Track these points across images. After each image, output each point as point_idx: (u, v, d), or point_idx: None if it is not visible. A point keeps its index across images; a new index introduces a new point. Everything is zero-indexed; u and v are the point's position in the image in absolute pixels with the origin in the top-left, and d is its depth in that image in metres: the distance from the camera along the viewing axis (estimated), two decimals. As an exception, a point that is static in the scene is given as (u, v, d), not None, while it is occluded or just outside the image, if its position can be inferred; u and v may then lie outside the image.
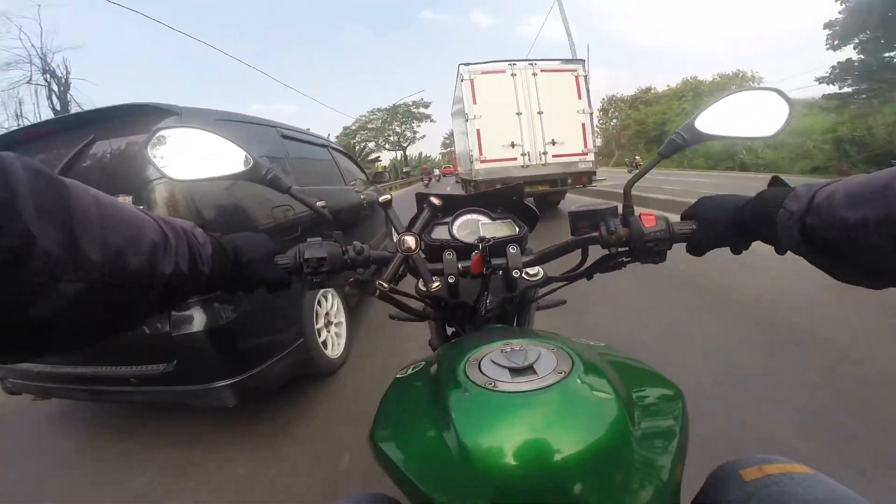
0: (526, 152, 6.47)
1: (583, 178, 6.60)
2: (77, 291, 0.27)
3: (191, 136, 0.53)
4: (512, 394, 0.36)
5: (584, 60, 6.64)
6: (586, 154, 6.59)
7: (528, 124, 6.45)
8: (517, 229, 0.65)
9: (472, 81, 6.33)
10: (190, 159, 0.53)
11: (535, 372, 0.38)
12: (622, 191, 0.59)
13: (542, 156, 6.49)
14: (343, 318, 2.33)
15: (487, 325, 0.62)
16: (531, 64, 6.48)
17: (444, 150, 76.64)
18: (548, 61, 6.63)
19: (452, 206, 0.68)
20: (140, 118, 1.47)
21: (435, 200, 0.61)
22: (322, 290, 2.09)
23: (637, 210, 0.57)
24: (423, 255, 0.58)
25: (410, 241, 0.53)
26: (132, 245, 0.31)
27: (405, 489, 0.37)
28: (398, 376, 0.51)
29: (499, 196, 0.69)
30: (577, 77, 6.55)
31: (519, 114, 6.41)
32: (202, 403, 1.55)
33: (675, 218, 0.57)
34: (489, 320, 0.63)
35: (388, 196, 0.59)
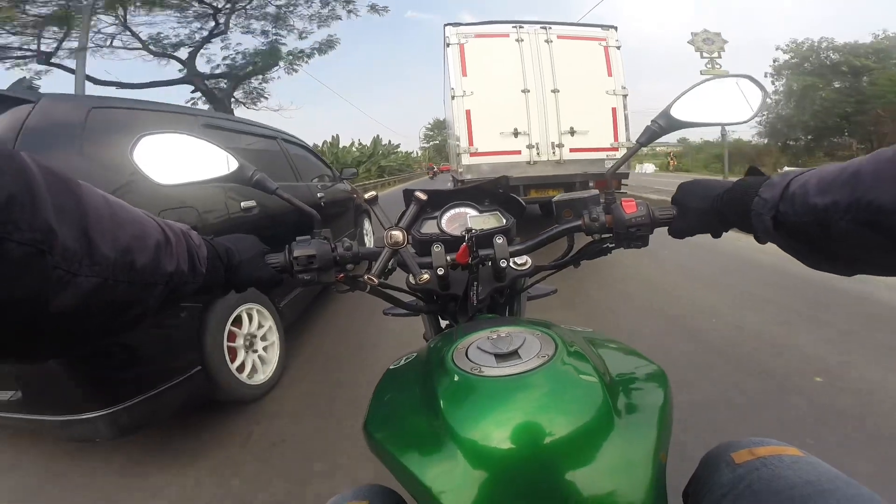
0: (534, 144, 4.68)
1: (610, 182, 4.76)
2: (93, 286, 0.27)
3: (175, 141, 0.54)
4: (496, 378, 0.37)
5: (615, 27, 4.93)
6: (617, 149, 4.77)
7: (539, 106, 4.69)
8: (504, 220, 0.66)
9: (461, 47, 4.64)
10: (175, 164, 0.53)
11: (519, 356, 0.39)
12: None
13: (557, 149, 4.70)
14: (275, 339, 2.02)
15: (478, 316, 0.62)
16: (544, 28, 4.78)
17: (426, 145, 66.07)
18: (567, 26, 4.93)
19: (440, 201, 0.68)
20: None
21: (421, 195, 0.58)
22: (245, 308, 1.84)
23: (618, 197, 0.57)
24: (411, 249, 0.59)
25: (398, 235, 0.54)
26: (139, 243, 0.32)
27: (399, 475, 0.37)
28: (391, 368, 0.51)
29: (485, 189, 0.69)
30: (606, 48, 4.82)
31: (525, 91, 4.66)
32: (70, 436, 1.35)
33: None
34: (481, 311, 0.64)
35: (373, 193, 0.59)
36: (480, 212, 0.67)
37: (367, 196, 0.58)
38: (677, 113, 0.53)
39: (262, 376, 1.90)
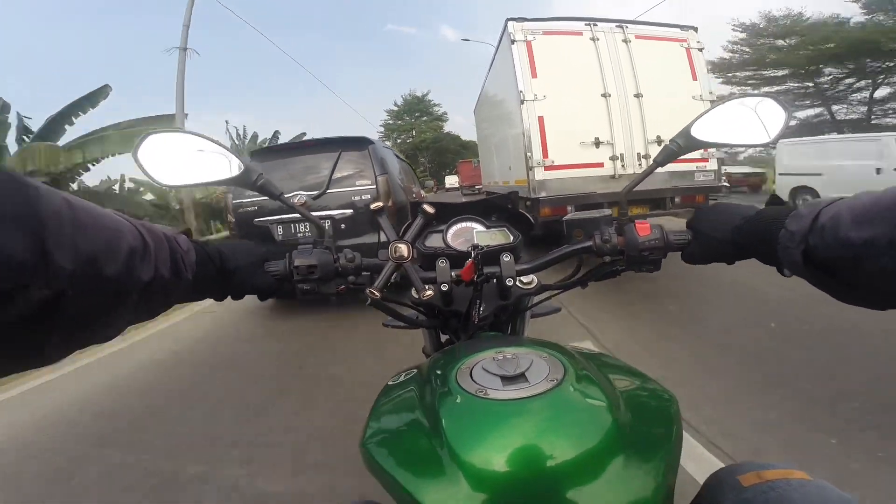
0: (618, 155, 4.03)
1: (698, 197, 4.14)
2: (47, 298, 0.26)
3: (182, 141, 0.51)
4: (502, 402, 0.36)
5: (695, 28, 4.41)
6: (707, 160, 4.17)
7: (621, 113, 4.07)
8: (511, 237, 0.65)
9: (528, 44, 4.03)
10: (181, 165, 0.51)
11: (526, 380, 0.38)
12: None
13: (644, 161, 4.05)
14: None
15: (481, 333, 0.61)
16: (620, 27, 4.22)
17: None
18: (644, 25, 4.39)
19: (447, 215, 0.68)
20: (359, 142, 3.43)
21: (428, 208, 0.58)
22: None
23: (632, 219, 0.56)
24: (415, 263, 0.57)
25: (403, 248, 0.54)
26: (107, 251, 0.30)
27: (396, 496, 0.36)
28: (389, 383, 0.50)
29: (493, 204, 0.69)
30: (688, 49, 4.28)
31: (606, 96, 4.05)
32: None
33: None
34: (483, 328, 0.63)
35: (379, 203, 0.59)
36: (487, 227, 0.66)
37: (373, 206, 0.58)
38: (697, 133, 0.53)
39: None
